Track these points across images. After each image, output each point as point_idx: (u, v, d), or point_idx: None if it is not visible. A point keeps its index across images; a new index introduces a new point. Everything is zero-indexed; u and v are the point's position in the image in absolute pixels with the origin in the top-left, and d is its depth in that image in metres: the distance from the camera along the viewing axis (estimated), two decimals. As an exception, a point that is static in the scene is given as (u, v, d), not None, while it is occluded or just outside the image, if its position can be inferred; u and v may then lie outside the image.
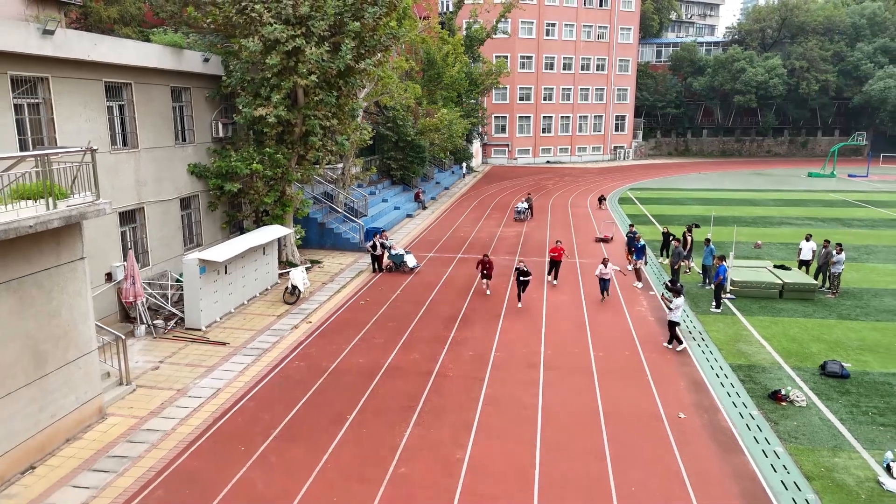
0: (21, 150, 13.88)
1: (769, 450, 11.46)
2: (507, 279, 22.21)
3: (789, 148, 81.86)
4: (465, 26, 56.25)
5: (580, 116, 72.65)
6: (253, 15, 18.99)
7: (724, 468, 10.90)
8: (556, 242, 22.81)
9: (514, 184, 51.01)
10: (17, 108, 14.09)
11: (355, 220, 28.30)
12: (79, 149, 10.98)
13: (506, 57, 64.90)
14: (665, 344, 16.34)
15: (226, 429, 12.12)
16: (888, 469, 10.73)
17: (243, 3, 19.12)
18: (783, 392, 13.45)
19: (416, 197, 38.89)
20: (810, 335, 17.17)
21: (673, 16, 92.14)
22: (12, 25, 13.53)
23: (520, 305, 19.18)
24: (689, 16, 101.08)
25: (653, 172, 61.58)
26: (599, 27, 71.00)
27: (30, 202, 10.24)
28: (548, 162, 71.45)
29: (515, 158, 70.69)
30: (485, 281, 20.84)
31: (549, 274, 22.31)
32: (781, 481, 10.49)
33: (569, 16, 68.90)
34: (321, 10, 19.43)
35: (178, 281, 19.03)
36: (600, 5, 70.52)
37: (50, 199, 10.36)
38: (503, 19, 57.02)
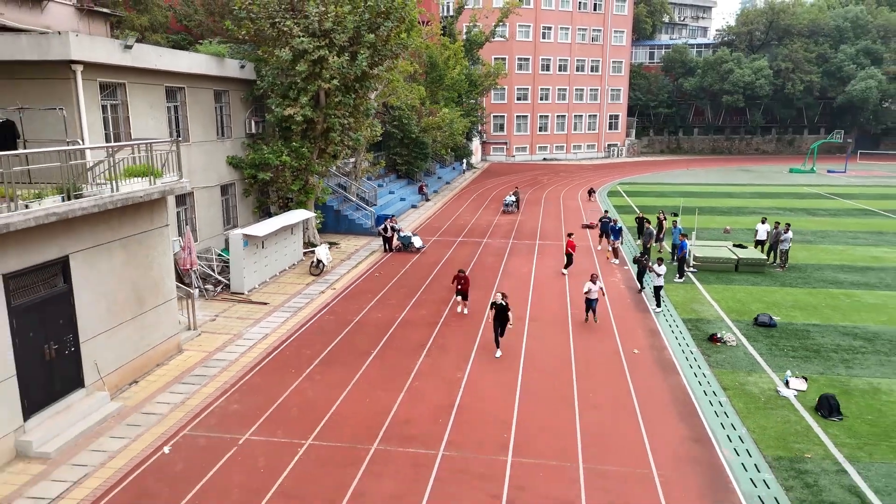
0: (106, 141, 17.23)
1: (699, 373, 14.83)
2: (495, 273, 25.56)
3: (777, 146, 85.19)
4: (465, 30, 59.59)
5: (575, 115, 76.00)
6: (284, 29, 22.36)
7: (663, 385, 14.25)
8: (569, 236, 24.47)
9: (512, 179, 54.36)
10: (103, 108, 17.45)
11: (367, 208, 31.69)
12: (170, 140, 14.35)
13: (504, 59, 68.32)
14: (654, 308, 19.41)
15: (278, 358, 15.50)
16: (786, 383, 14.09)
17: (275, 19, 22.48)
18: (718, 335, 16.81)
19: (420, 190, 42.24)
20: (753, 298, 20.53)
21: (666, 18, 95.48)
22: (103, 42, 16.90)
23: (498, 354, 15.51)
24: (681, 18, 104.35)
25: (643, 169, 64.94)
26: (594, 30, 74.32)
27: (137, 179, 13.59)
28: (544, 159, 74.77)
29: (513, 156, 74.05)
30: (459, 298, 18.88)
31: (565, 268, 23.61)
32: (704, 392, 13.85)
33: (564, 19, 72.24)
34: (342, 25, 22.78)
35: (219, 255, 22.40)
36: (594, 9, 73.86)
37: (151, 177, 13.72)
38: (501, 23, 60.29)
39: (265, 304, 19.78)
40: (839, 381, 14.32)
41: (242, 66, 24.05)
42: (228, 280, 20.94)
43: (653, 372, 14.91)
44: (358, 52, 23.64)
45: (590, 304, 18.01)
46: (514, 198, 38.27)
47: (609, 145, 78.94)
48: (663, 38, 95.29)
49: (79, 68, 15.97)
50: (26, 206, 10.56)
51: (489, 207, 39.24)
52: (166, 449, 11.39)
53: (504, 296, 15.62)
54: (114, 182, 12.59)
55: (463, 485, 10.36)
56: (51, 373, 11.80)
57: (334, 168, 30.60)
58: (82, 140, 15.61)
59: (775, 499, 10.05)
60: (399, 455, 11.23)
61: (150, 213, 14.40)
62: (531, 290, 21.37)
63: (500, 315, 15.52)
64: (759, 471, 10.81)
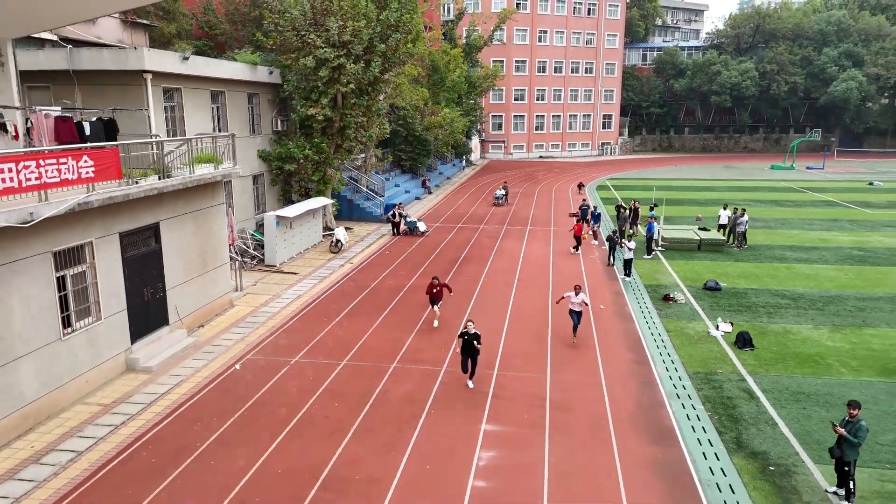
0: (167, 137, 20.91)
1: (650, 321, 18.51)
2: (485, 257, 29.24)
3: (764, 144, 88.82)
4: (465, 34, 63.24)
5: (570, 115, 79.66)
6: (308, 40, 26.04)
7: (620, 329, 17.93)
8: (577, 221, 28.20)
9: (509, 175, 58.03)
10: (165, 109, 21.14)
11: (376, 197, 35.38)
12: (227, 134, 18.04)
13: (502, 61, 72.01)
14: (623, 276, 23.09)
15: (312, 311, 19.21)
16: (717, 327, 17.77)
17: (301, 32, 26.16)
18: (671, 295, 20.50)
19: (423, 183, 45.93)
20: (708, 270, 24.20)
21: (659, 22, 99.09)
22: (167, 54, 20.61)
23: (470, 385, 13.95)
24: (674, 21, 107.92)
25: (634, 166, 68.60)
26: (588, 34, 77.99)
27: (205, 164, 17.27)
28: (540, 157, 78.43)
29: (511, 153, 77.74)
30: (435, 309, 18.05)
31: (574, 249, 27.05)
32: (651, 333, 17.53)
33: (559, 24, 75.90)
34: (358, 37, 26.45)
35: (252, 235, 26.08)
36: (588, 14, 77.52)
37: (215, 164, 17.42)
38: (499, 28, 63.93)
39: (295, 273, 23.49)
40: (759, 326, 18.00)
41: (271, 72, 27.74)
42: (262, 255, 24.64)
43: (613, 321, 18.59)
44: (371, 59, 27.34)
45: (577, 319, 16.56)
46: (503, 191, 41.88)
47: (603, 144, 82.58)
48: (657, 41, 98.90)
49: (149, 77, 19.69)
50: (136, 182, 14.25)
51: (486, 200, 42.92)
52: (237, 366, 15.11)
53: (474, 326, 13.78)
54: (191, 166, 16.29)
55: (460, 389, 14.04)
56: (147, 311, 15.50)
57: (346, 162, 34.28)
58: (152, 135, 19.31)
59: (689, 395, 13.73)
60: (413, 370, 14.93)
61: (212, 193, 18.10)
62: (520, 263, 25.04)
63: (469, 345, 13.62)
64: (681, 380, 14.49)
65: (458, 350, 14.19)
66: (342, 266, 24.78)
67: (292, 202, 29.59)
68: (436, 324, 18.01)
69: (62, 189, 12.00)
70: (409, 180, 45.80)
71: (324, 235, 29.35)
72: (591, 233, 29.76)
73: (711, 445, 11.69)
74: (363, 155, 36.30)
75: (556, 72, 77.39)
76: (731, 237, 28.51)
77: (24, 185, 11.11)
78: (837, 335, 17.27)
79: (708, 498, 10.09)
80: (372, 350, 16.14)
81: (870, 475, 10.69)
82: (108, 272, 14.05)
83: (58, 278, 12.71)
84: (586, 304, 16.84)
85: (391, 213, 31.25)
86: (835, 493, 10.09)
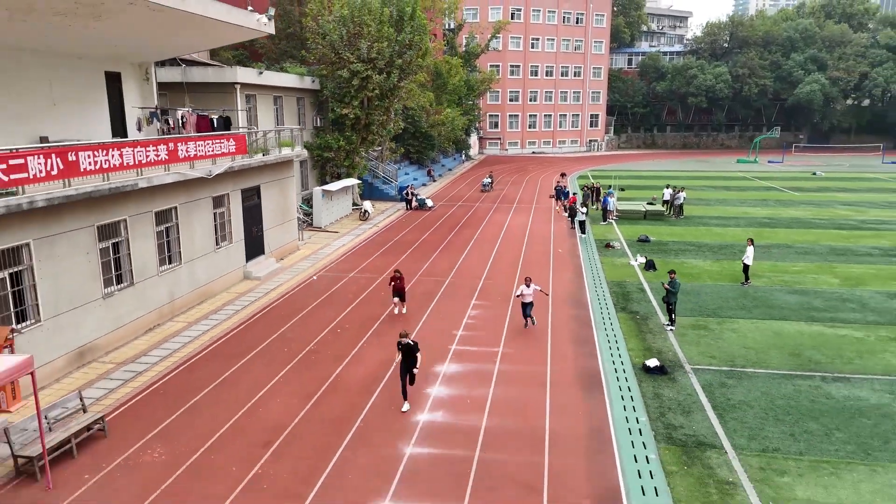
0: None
1: (592, 258, 26.51)
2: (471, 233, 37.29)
3: (739, 141, 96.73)
4: (464, 42, 71.21)
5: (560, 115, 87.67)
6: (344, 57, 34.06)
7: (570, 263, 25.91)
8: (573, 195, 36.55)
9: (503, 168, 66.10)
10: (246, 110, 29.17)
11: (391, 182, 43.41)
12: (298, 127, 26.10)
13: (498, 66, 79.98)
14: (579, 234, 31.10)
15: (355, 253, 27.28)
16: (636, 259, 25.78)
17: (338, 51, 34.16)
18: (611, 244, 28.52)
19: (428, 172, 53.95)
20: (646, 230, 32.15)
21: (644, 28, 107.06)
22: (249, 70, 28.65)
23: (405, 408, 13.03)
24: (660, 27, 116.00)
25: (617, 160, 76.63)
26: (576, 41, 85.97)
27: (286, 148, 25.28)
28: (533, 152, 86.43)
29: (506, 149, 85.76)
30: (396, 300, 18.95)
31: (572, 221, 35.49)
32: (590, 265, 25.52)
33: (550, 32, 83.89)
34: (381, 54, 34.46)
35: (301, 207, 34.09)
36: (577, 22, 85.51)
37: (291, 147, 25.47)
38: (495, 38, 71.89)
39: (336, 232, 31.55)
40: (666, 259, 25.97)
41: (313, 81, 35.77)
42: (310, 220, 32.68)
43: (565, 258, 26.62)
44: (391, 71, 35.37)
45: (527, 309, 17.64)
46: (489, 179, 49.78)
47: (590, 141, 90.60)
48: (643, 46, 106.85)
49: (238, 86, 27.75)
50: (251, 157, 22.29)
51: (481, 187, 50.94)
52: (314, 277, 23.18)
53: (410, 338, 13.15)
54: (279, 148, 24.33)
55: (457, 289, 22.05)
56: (253, 242, 23.55)
57: (367, 152, 42.28)
58: (250, 127, 27.34)
59: (603, 289, 21.70)
60: (429, 280, 22.96)
61: (288, 168, 26.15)
62: (505, 228, 33.09)
63: (408, 356, 13.08)
64: (601, 283, 22.50)
65: (398, 362, 13.22)
66: (370, 228, 32.84)
67: (326, 182, 37.63)
68: (404, 310, 19.13)
69: (212, 160, 20.06)
70: (416, 170, 53.81)
71: (353, 208, 37.37)
72: (561, 207, 37.77)
73: (608, 308, 19.69)
74: (380, 147, 44.33)
75: (547, 75, 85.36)
76: (671, 209, 36.52)
77: (203, 155, 19.14)
78: (715, 265, 25.29)
79: (598, 331, 18.02)
80: (402, 267, 24.17)
81: (688, 320, 18.67)
82: (235, 214, 22.12)
83: (214, 214, 20.77)
84: (540, 290, 17.95)
85: (405, 191, 39.31)
86: (667, 325, 18.07)
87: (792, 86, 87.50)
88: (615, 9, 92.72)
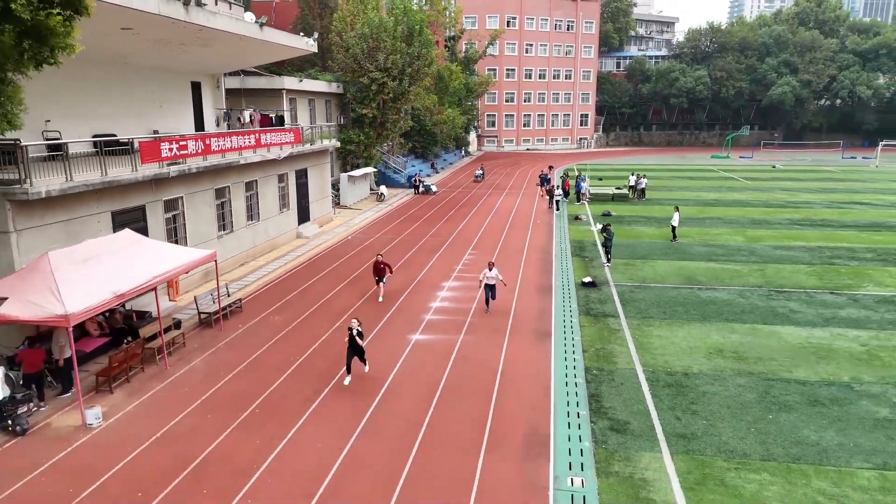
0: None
1: (562, 228, 33.94)
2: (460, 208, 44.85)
3: (719, 139, 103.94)
4: (464, 48, 78.57)
5: (552, 114, 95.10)
6: (364, 67, 41.53)
7: (545, 231, 33.33)
8: (565, 179, 44.19)
9: (499, 163, 73.56)
10: (290, 110, 36.62)
11: (401, 171, 50.89)
12: (333, 124, 33.59)
13: (495, 69, 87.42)
14: (556, 212, 38.53)
15: (376, 222, 34.81)
16: (596, 225, 33.23)
17: (360, 61, 41.61)
18: (579, 217, 35.99)
19: (432, 165, 61.41)
20: (610, 208, 39.57)
21: (633, 33, 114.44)
22: (293, 79, 36.11)
23: (347, 382, 14.48)
24: (648, 32, 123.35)
25: (603, 156, 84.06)
26: (567, 46, 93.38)
27: (326, 140, 32.71)
28: (527, 149, 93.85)
29: (502, 146, 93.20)
30: (380, 285, 20.75)
31: (566, 197, 43.22)
32: (560, 232, 32.96)
33: (543, 38, 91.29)
34: (395, 64, 41.91)
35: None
36: (568, 29, 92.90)
37: (329, 139, 32.94)
38: (492, 44, 79.27)
39: (359, 209, 39.04)
40: (619, 228, 33.36)
41: (338, 86, 43.23)
42: (338, 199, 40.14)
43: (541, 227, 34.06)
44: (402, 79, 42.82)
45: (490, 291, 19.40)
46: (480, 171, 57.17)
47: (580, 139, 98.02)
48: (632, 49, 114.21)
49: (284, 91, 35.23)
50: (303, 146, 29.74)
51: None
52: (350, 237, 30.72)
53: (359, 324, 14.59)
54: (321, 140, 31.81)
55: (456, 246, 29.52)
56: (302, 210, 31.03)
57: (380, 146, 49.72)
58: (296, 124, 34.82)
59: (566, 243, 29.13)
60: (435, 239, 30.42)
61: (325, 156, 33.64)
62: (496, 207, 40.56)
63: (355, 343, 14.40)
64: (564, 240, 29.93)
65: (347, 342, 14.57)
66: (386, 207, 40.34)
67: (348, 171, 45.12)
68: (380, 299, 20.69)
69: (276, 148, 27.55)
70: (421, 163, 61.24)
71: (370, 192, 44.85)
72: (544, 191, 45.24)
73: (566, 254, 27.12)
74: (390, 142, 51.80)
75: (540, 78, 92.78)
76: (634, 192, 43.96)
77: (274, 143, 26.60)
78: (657, 231, 32.71)
79: (556, 264, 25.41)
80: (414, 234, 31.68)
81: (621, 261, 26.05)
82: (291, 189, 29.61)
83: (278, 187, 28.26)
84: (500, 280, 19.40)
85: (414, 178, 46.77)
86: (606, 263, 25.47)
87: (766, 87, 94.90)
88: (604, 16, 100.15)
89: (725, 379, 14.74)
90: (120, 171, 17.59)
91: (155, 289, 15.05)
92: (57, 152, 16.08)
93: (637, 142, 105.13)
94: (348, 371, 14.63)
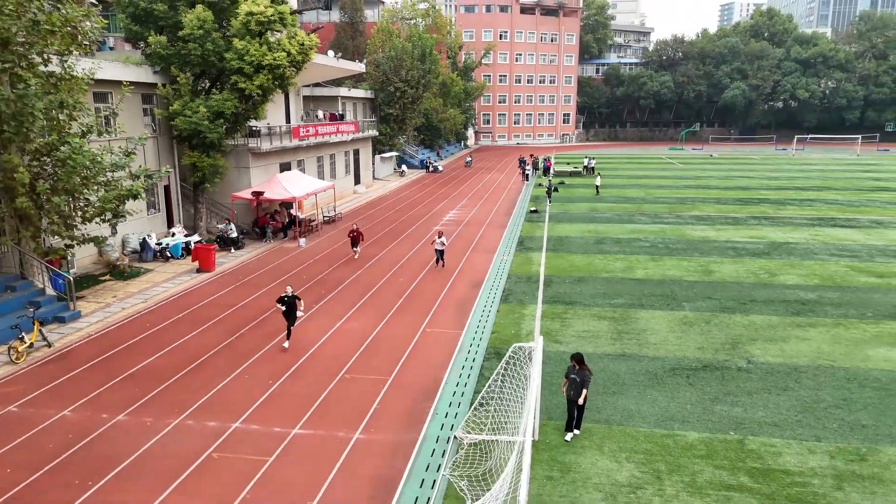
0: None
1: (527, 192, 50.20)
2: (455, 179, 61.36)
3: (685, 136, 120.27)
4: (463, 58, 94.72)
5: (539, 114, 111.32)
6: (391, 79, 57.83)
7: (514, 193, 49.57)
8: (549, 160, 60.44)
9: (492, 153, 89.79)
10: (343, 111, 52.89)
11: (414, 157, 67.22)
12: (372, 120, 49.99)
13: (489, 75, 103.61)
14: (526, 182, 54.73)
15: (402, 188, 51.22)
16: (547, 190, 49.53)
17: (388, 75, 57.89)
18: (541, 184, 52.29)
19: (437, 153, 77.74)
20: (566, 179, 55.77)
21: (611, 42, 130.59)
22: (345, 88, 52.44)
23: (286, 345, 16.23)
24: (626, 41, 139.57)
25: (580, 149, 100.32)
26: (551, 55, 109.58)
27: (369, 131, 48.95)
28: (517, 143, 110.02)
29: (496, 140, 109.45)
30: (356, 249, 26.37)
31: (545, 174, 59.45)
32: (523, 195, 49.23)
33: (530, 49, 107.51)
34: (413, 77, 58.17)
35: (365, 167, 57.91)
36: (552, 41, 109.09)
37: (370, 131, 49.28)
38: (487, 56, 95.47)
39: (389, 181, 55.38)
40: (565, 188, 49.48)
41: (370, 92, 59.54)
42: (373, 174, 56.43)
43: (513, 191, 50.28)
44: (417, 87, 59.11)
45: (440, 254, 24.79)
46: (469, 159, 73.40)
47: (563, 134, 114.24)
48: (612, 57, 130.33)
49: (339, 97, 51.65)
50: (357, 134, 46.03)
51: (473, 164, 74.80)
52: (386, 193, 47.00)
53: (292, 290, 16.24)
54: (366, 131, 48.15)
55: (457, 226, 45.83)
56: (355, 175, 47.39)
57: (399, 137, 65.95)
58: (351, 119, 51.19)
59: (524, 200, 45.34)
60: (445, 200, 46.72)
61: (368, 141, 50.01)
62: (484, 181, 56.83)
63: (290, 307, 15.97)
64: (526, 197, 46.15)
65: (282, 312, 16.29)
66: (406, 180, 56.67)
67: (377, 154, 61.49)
68: (356, 256, 26.46)
69: (344, 135, 43.93)
70: (429, 152, 77.60)
71: (394, 171, 61.13)
72: (521, 171, 61.49)
73: (525, 201, 43.33)
74: (406, 135, 68.08)
75: (528, 83, 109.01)
76: (585, 170, 60.20)
77: (344, 131, 42.90)
78: (590, 192, 48.81)
79: (516, 208, 41.59)
80: (431, 195, 47.92)
81: (558, 204, 42.26)
82: (350, 160, 45.91)
83: (345, 160, 44.58)
84: (444, 244, 25.02)
85: (426, 160, 63.17)
86: (549, 202, 41.68)
87: (721, 91, 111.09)
88: (585, 28, 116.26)
89: (584, 237, 31.08)
90: (284, 143, 33.97)
91: (315, 195, 31.40)
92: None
93: (613, 137, 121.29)
94: (288, 336, 16.61)
